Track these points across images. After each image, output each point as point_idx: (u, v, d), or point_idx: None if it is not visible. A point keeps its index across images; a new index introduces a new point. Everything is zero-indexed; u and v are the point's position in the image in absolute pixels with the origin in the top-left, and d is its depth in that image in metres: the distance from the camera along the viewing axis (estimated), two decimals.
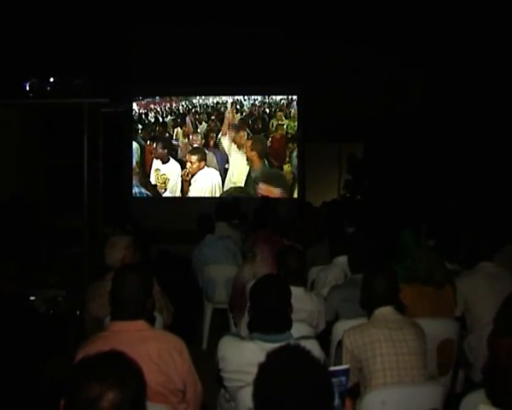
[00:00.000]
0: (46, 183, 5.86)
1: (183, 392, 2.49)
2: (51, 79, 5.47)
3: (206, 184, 10.69)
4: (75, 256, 5.53)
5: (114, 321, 2.50)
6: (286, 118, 10.73)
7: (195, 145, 10.67)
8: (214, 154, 10.67)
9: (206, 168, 10.69)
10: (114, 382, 1.49)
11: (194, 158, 10.67)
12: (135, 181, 10.74)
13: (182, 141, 10.70)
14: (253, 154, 10.65)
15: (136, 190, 10.76)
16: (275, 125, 10.72)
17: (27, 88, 5.42)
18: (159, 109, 10.73)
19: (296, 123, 10.67)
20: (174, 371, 2.42)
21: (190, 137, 10.68)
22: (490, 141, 8.80)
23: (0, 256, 4.30)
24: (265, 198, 8.74)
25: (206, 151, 10.66)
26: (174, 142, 10.70)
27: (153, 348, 2.39)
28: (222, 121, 10.71)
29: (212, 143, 10.66)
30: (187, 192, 10.67)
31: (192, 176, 10.68)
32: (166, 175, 10.71)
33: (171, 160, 10.68)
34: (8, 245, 4.85)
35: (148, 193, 10.73)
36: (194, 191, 10.68)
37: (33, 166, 5.75)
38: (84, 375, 1.52)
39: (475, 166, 9.00)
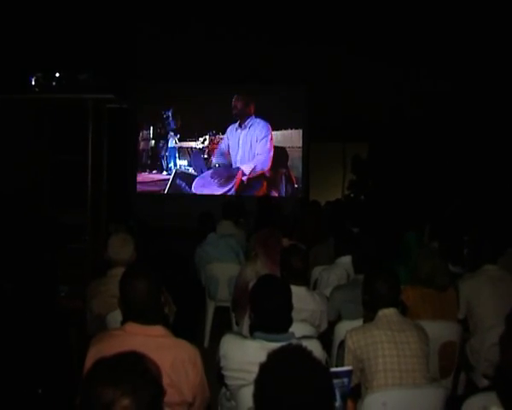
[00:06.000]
0: (50, 178, 5.85)
1: (191, 404, 2.39)
2: (57, 74, 5.46)
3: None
4: (78, 252, 5.53)
5: (130, 322, 2.37)
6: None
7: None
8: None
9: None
10: (129, 388, 1.45)
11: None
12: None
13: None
14: None
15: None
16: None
17: (33, 83, 5.42)
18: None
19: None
20: (185, 383, 2.31)
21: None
22: (494, 144, 8.79)
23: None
24: (266, 197, 8.71)
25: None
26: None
27: (166, 358, 2.25)
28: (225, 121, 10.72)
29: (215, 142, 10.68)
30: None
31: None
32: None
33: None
34: (10, 240, 4.85)
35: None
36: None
37: (37, 161, 5.75)
38: (99, 378, 1.48)
39: (479, 169, 8.98)
